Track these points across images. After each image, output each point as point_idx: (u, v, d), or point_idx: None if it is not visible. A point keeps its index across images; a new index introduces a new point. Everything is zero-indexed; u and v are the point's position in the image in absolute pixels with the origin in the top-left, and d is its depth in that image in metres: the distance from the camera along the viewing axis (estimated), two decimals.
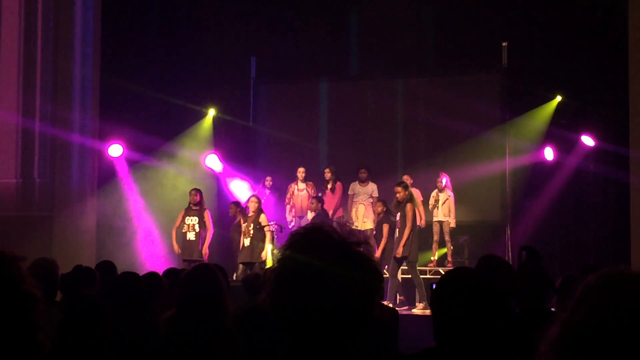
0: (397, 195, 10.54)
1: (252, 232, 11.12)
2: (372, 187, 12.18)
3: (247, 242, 11.17)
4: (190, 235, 11.15)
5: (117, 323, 4.00)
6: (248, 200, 11.53)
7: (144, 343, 4.01)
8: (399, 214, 10.61)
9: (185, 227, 11.20)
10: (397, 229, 10.65)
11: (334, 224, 1.70)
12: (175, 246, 11.28)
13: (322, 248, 1.58)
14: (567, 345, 1.24)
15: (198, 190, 11.39)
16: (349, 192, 12.26)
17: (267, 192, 12.81)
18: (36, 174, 11.64)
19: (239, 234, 11.53)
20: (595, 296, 1.27)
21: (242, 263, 11.18)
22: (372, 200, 12.06)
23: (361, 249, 1.62)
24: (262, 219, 11.26)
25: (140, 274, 5.12)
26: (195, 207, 11.25)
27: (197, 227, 11.15)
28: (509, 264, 4.40)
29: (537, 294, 4.10)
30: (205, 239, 11.20)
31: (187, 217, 11.23)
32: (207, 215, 11.29)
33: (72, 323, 3.61)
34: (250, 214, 11.30)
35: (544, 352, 1.27)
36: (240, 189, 13.44)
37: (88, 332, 3.60)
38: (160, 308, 4.53)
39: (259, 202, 11.47)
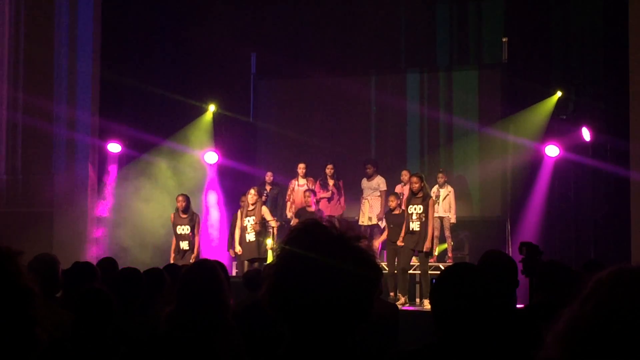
0: (414, 185, 10.15)
1: (258, 227, 10.92)
2: (378, 182, 12.10)
3: (251, 237, 10.98)
4: (184, 245, 10.86)
5: (118, 319, 4.02)
6: (247, 193, 11.28)
7: (144, 338, 4.02)
8: (415, 207, 10.15)
9: (178, 236, 10.93)
10: (412, 222, 10.12)
11: (334, 220, 1.70)
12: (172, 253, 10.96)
13: (321, 243, 1.58)
14: (573, 338, 1.24)
15: (185, 197, 11.02)
16: (361, 188, 12.26)
17: (268, 187, 12.77)
18: (36, 170, 11.64)
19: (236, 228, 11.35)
20: (604, 290, 1.27)
21: (249, 260, 10.96)
22: (378, 195, 11.99)
23: (360, 244, 1.61)
24: (265, 212, 11.14)
25: (142, 271, 5.12)
26: (184, 214, 10.91)
27: (189, 237, 10.86)
28: (513, 259, 4.39)
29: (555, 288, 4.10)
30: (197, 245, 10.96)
31: (179, 227, 10.89)
32: (198, 224, 11.03)
33: (85, 317, 3.72)
34: (251, 207, 11.05)
35: (550, 345, 1.27)
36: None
37: (101, 326, 3.73)
38: (161, 304, 4.53)
39: (260, 194, 11.37)
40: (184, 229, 10.87)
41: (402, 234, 10.20)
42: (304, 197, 11.54)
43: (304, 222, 1.67)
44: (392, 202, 10.73)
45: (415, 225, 10.11)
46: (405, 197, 10.64)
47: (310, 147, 13.92)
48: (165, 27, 13.57)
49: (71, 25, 11.76)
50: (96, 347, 3.68)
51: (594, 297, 1.26)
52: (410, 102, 13.95)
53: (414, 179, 10.20)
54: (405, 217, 10.25)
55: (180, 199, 10.97)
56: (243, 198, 11.67)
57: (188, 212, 10.94)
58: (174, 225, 10.95)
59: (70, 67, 11.68)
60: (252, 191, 11.14)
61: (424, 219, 10.08)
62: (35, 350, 1.51)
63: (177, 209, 10.98)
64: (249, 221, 11.03)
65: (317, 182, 12.33)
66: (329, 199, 12.14)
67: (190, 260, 10.59)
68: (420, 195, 10.12)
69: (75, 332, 3.69)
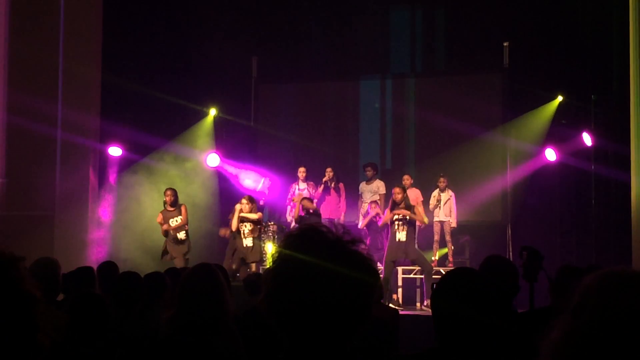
0: (397, 196, 10.41)
1: (253, 232, 10.89)
2: (377, 185, 12.11)
3: (249, 242, 10.96)
4: (181, 235, 11.03)
5: (118, 323, 4.02)
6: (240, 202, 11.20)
7: (144, 342, 4.02)
8: (396, 215, 10.35)
9: (172, 230, 11.03)
10: (398, 233, 10.31)
11: (330, 224, 1.71)
12: (170, 246, 11.10)
13: (318, 247, 1.58)
14: (570, 350, 1.23)
15: (173, 190, 11.23)
16: (359, 192, 12.26)
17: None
18: (37, 173, 11.63)
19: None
20: (595, 298, 1.25)
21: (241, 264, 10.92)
22: (378, 198, 12.00)
23: (357, 248, 1.62)
24: (253, 217, 11.07)
25: (142, 274, 5.13)
26: (172, 207, 11.09)
27: (184, 226, 11.03)
28: (514, 264, 4.39)
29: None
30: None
31: (171, 220, 11.05)
32: (184, 211, 11.13)
33: (79, 321, 3.71)
34: (245, 214, 11.00)
35: (545, 356, 1.26)
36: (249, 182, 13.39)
37: (94, 330, 3.73)
38: (163, 307, 4.53)
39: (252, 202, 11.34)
40: (176, 220, 11.02)
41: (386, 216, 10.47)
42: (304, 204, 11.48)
43: (301, 227, 1.67)
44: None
45: (401, 236, 10.22)
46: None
47: (310, 151, 13.93)
48: (167, 31, 13.58)
49: (73, 28, 11.76)
50: (91, 350, 3.66)
51: (586, 307, 1.25)
52: (412, 107, 13.96)
53: (397, 190, 10.45)
54: (389, 228, 10.42)
55: (168, 193, 11.14)
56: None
57: (176, 205, 11.10)
58: (165, 220, 11.05)
59: (71, 70, 11.68)
60: (244, 200, 11.10)
61: (406, 226, 10.23)
62: (37, 356, 1.51)
63: (164, 203, 11.13)
64: (245, 226, 10.98)
65: (318, 188, 12.32)
66: (323, 192, 12.13)
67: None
68: (402, 205, 10.32)
69: (70, 335, 3.68)
